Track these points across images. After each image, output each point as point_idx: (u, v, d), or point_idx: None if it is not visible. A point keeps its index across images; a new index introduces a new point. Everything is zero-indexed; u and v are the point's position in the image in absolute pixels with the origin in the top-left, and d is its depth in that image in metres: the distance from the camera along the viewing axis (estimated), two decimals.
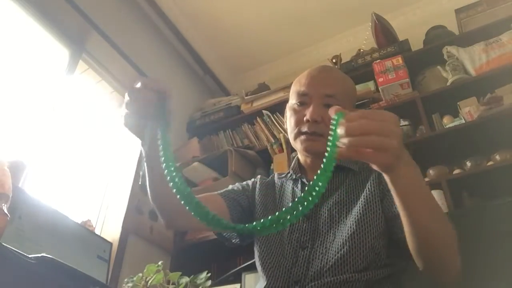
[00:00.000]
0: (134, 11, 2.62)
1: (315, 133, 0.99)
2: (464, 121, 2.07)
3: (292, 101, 1.07)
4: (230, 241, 1.11)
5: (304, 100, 1.03)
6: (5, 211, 0.87)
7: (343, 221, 0.93)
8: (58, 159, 2.00)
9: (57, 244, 1.59)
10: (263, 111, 2.63)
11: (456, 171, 2.04)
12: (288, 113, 1.08)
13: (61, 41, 2.15)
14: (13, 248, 0.82)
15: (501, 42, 2.18)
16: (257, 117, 2.67)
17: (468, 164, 2.03)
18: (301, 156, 1.10)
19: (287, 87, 2.68)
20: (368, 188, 0.98)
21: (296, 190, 1.06)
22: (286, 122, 1.12)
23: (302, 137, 1.01)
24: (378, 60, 2.38)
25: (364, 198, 0.96)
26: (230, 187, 1.14)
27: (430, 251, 0.74)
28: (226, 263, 2.30)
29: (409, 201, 0.67)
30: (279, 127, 2.55)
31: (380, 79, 2.30)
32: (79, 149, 2.15)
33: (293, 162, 1.13)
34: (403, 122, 2.25)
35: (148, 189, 0.91)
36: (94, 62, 2.33)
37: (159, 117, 0.71)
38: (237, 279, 2.14)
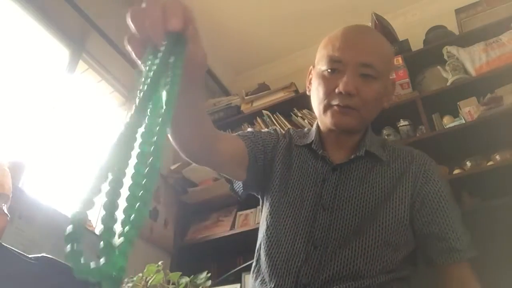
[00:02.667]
0: None
1: (348, 107, 0.87)
2: (464, 121, 2.07)
3: (322, 67, 0.91)
4: (235, 192, 1.01)
5: (336, 67, 0.89)
6: (5, 211, 0.87)
7: (363, 223, 0.84)
8: (58, 159, 2.00)
9: (57, 244, 1.58)
10: (263, 111, 2.63)
11: (456, 171, 2.04)
12: (316, 81, 0.93)
13: (61, 41, 2.15)
14: (13, 248, 0.82)
15: (501, 42, 2.17)
16: (257, 117, 2.67)
17: (468, 164, 2.03)
18: (324, 129, 0.97)
19: (287, 87, 2.68)
20: (399, 193, 0.88)
21: (318, 168, 0.93)
22: (310, 89, 0.98)
23: (335, 108, 0.88)
24: None
25: (392, 204, 0.86)
26: (251, 136, 0.98)
27: None
28: (226, 263, 2.30)
29: None
30: (279, 127, 2.55)
31: None
32: (79, 149, 2.15)
33: (314, 132, 0.99)
34: (403, 122, 2.25)
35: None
36: (94, 62, 2.33)
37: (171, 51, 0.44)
38: (237, 279, 2.14)
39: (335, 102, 0.88)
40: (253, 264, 0.94)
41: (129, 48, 0.49)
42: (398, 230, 0.84)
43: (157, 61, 0.43)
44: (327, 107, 0.90)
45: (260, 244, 0.93)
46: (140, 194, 0.34)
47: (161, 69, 0.42)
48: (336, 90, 0.87)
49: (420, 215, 0.87)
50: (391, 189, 0.88)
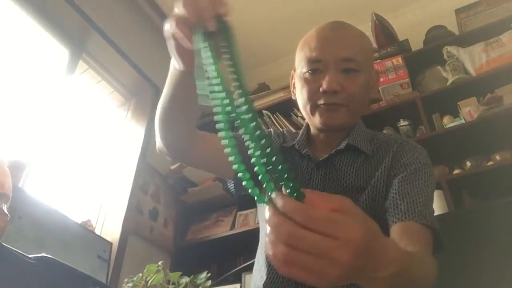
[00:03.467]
0: (134, 11, 2.62)
1: (335, 104, 0.86)
2: (464, 121, 2.07)
3: (302, 69, 0.91)
4: (229, 192, 1.00)
5: (316, 67, 0.88)
6: (5, 211, 0.87)
7: None
8: (58, 159, 2.00)
9: (57, 244, 1.58)
10: (263, 111, 2.63)
11: (456, 171, 2.04)
12: (299, 84, 0.92)
13: (61, 41, 2.15)
14: (13, 248, 0.82)
15: (501, 42, 2.18)
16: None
17: (468, 164, 2.03)
18: (314, 129, 0.96)
19: (287, 87, 2.68)
20: (378, 176, 0.85)
21: (303, 166, 0.92)
22: (294, 94, 0.96)
23: (322, 107, 0.87)
24: (378, 60, 2.38)
25: (370, 190, 0.84)
26: (239, 136, 0.97)
27: None
28: (226, 263, 2.30)
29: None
30: (279, 127, 2.55)
31: (380, 79, 2.30)
32: (79, 149, 2.15)
33: (301, 132, 0.98)
34: (403, 122, 2.24)
35: (163, 108, 0.77)
36: (94, 62, 2.33)
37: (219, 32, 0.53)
38: (237, 279, 2.14)
39: (321, 101, 0.87)
40: (256, 261, 0.94)
41: (175, 30, 0.55)
42: (379, 215, 0.80)
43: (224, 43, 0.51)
44: (314, 108, 0.89)
45: (260, 242, 0.93)
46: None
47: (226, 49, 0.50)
48: (321, 90, 0.86)
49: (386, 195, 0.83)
50: (369, 180, 0.86)
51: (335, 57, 0.86)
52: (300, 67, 0.92)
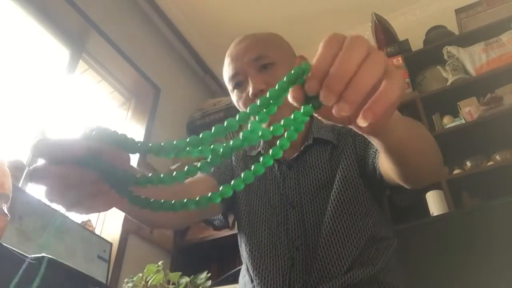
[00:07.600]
0: (134, 11, 2.62)
1: None
2: (464, 121, 2.07)
3: (231, 89, 0.95)
4: (223, 227, 1.02)
5: (238, 80, 0.91)
6: (5, 211, 0.87)
7: (327, 207, 0.84)
8: None
9: (57, 244, 1.59)
10: None
11: (456, 171, 2.04)
12: (236, 102, 0.95)
13: (61, 41, 2.15)
14: (13, 248, 0.82)
15: (501, 42, 2.18)
16: None
17: (468, 164, 2.03)
18: None
19: None
20: (343, 160, 0.89)
21: (275, 171, 0.93)
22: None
23: None
24: None
25: (341, 174, 0.87)
26: (222, 166, 0.99)
27: (423, 165, 0.63)
28: (226, 263, 2.30)
29: (407, 144, 0.55)
30: None
31: None
32: None
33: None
34: None
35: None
36: (94, 62, 2.33)
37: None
38: (237, 279, 2.13)
39: None
40: (242, 269, 0.96)
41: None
42: (356, 199, 0.84)
43: None
44: None
45: (243, 252, 0.93)
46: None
47: None
48: (250, 95, 0.88)
49: (366, 157, 0.86)
50: (339, 164, 0.89)
51: (247, 61, 0.90)
52: (229, 88, 0.96)
